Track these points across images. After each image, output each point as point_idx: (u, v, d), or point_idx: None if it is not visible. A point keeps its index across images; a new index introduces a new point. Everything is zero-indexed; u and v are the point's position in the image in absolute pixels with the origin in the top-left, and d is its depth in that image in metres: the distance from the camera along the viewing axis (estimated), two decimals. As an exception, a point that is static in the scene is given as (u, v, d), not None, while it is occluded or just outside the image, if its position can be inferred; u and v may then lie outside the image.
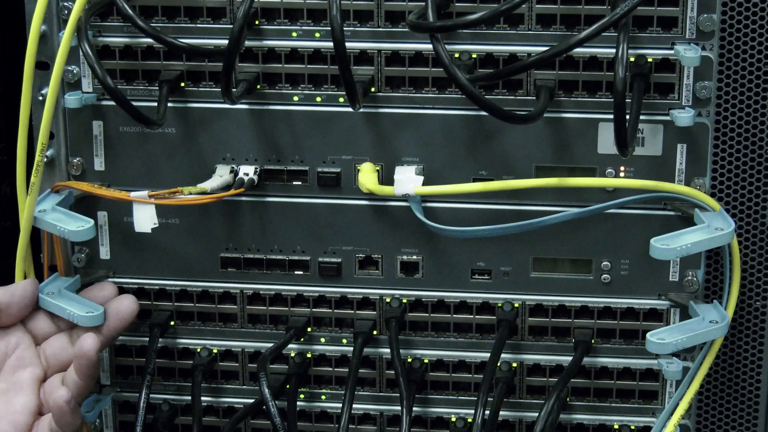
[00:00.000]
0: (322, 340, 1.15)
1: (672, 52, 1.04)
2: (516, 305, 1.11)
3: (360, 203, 1.11)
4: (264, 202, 1.12)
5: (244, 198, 1.11)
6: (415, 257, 1.11)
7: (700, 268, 1.08)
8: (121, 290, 1.14)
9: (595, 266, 1.10)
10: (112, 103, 1.06)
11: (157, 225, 1.07)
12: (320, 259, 1.13)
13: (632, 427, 1.13)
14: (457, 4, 1.05)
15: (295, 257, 1.13)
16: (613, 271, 1.10)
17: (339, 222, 1.11)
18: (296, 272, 1.13)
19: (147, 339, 1.15)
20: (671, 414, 1.09)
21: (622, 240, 1.08)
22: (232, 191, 1.09)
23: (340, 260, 1.12)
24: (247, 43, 1.08)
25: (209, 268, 1.14)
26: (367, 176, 1.08)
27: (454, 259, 1.11)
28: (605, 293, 1.10)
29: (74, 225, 1.06)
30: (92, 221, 1.07)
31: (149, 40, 1.08)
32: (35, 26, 1.05)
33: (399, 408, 1.09)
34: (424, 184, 1.08)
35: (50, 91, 1.05)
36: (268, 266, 1.13)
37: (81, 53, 1.06)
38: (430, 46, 1.00)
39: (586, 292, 1.11)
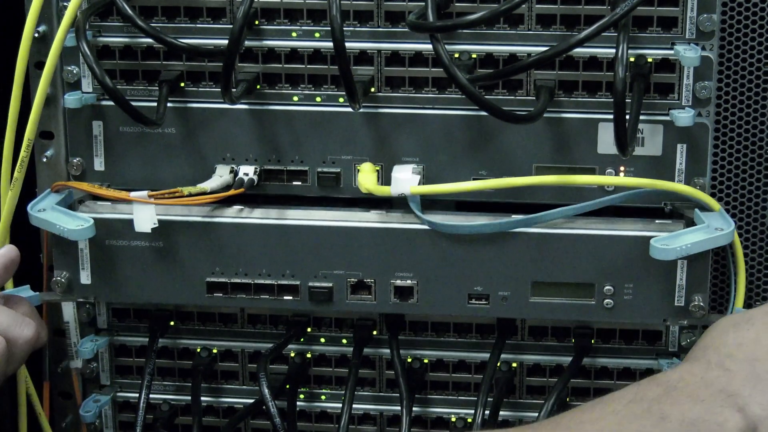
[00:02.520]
0: (322, 340, 1.15)
1: (672, 52, 1.04)
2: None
3: (352, 225, 1.07)
4: (249, 224, 1.09)
5: (229, 220, 1.08)
6: (409, 282, 1.08)
7: (706, 292, 1.05)
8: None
9: (598, 290, 1.06)
10: (112, 103, 1.06)
11: (156, 225, 1.07)
12: (310, 284, 1.09)
13: None
14: (457, 4, 1.05)
15: (284, 281, 1.09)
16: (616, 295, 1.06)
17: (329, 244, 1.08)
18: (285, 297, 1.10)
19: (147, 339, 1.15)
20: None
21: (626, 263, 1.05)
22: (232, 191, 1.09)
23: (331, 285, 1.09)
24: (247, 43, 1.08)
25: (194, 293, 1.10)
26: (367, 176, 1.08)
27: (450, 284, 1.07)
28: (608, 318, 1.08)
29: (73, 224, 1.06)
30: (92, 220, 1.06)
31: (149, 40, 1.08)
32: (30, 25, 1.05)
33: (399, 408, 1.09)
34: (424, 183, 1.08)
35: (40, 88, 1.05)
36: (255, 291, 1.10)
37: (80, 53, 1.06)
38: (430, 46, 1.00)
39: (587, 318, 1.09)
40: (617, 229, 1.05)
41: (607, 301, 1.06)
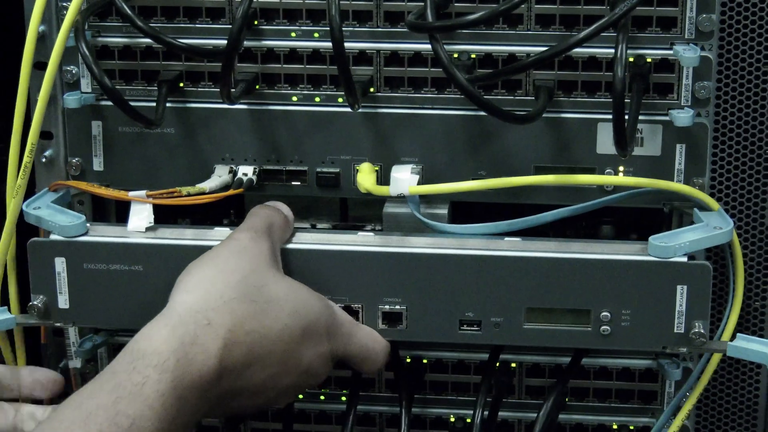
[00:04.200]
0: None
1: (671, 52, 1.04)
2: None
3: (338, 248, 1.04)
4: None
5: (211, 243, 1.01)
6: (398, 307, 1.04)
7: (706, 318, 1.01)
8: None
9: (594, 317, 1.02)
10: (111, 103, 1.06)
11: (152, 225, 1.07)
12: None
13: (631, 428, 1.13)
14: (456, 4, 1.05)
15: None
16: (613, 322, 1.02)
17: (314, 268, 1.04)
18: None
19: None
20: (671, 415, 1.09)
21: (623, 289, 1.01)
22: (231, 191, 1.09)
23: (317, 310, 1.05)
24: (246, 43, 1.08)
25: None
26: (366, 176, 1.08)
27: (440, 309, 1.03)
28: (605, 346, 1.04)
29: (66, 220, 1.06)
30: (83, 216, 1.06)
31: (148, 40, 1.08)
32: (33, 26, 1.05)
33: (398, 408, 1.09)
34: (423, 183, 1.08)
35: (43, 90, 1.05)
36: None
37: (79, 53, 1.06)
38: (429, 47, 1.00)
39: (584, 345, 1.05)
40: (614, 253, 1.02)
41: (603, 327, 1.02)
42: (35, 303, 1.06)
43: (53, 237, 1.05)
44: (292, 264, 1.04)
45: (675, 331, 1.02)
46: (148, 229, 1.06)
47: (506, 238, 1.04)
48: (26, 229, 1.09)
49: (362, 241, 1.05)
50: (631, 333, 1.02)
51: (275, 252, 1.01)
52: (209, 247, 1.00)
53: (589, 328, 1.03)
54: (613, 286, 1.01)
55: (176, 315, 0.92)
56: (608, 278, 1.01)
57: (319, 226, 1.15)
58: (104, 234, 1.06)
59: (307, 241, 1.05)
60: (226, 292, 0.94)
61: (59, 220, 1.06)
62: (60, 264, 1.05)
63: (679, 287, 1.00)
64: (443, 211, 1.10)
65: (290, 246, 1.04)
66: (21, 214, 1.07)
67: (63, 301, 1.06)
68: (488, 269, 1.02)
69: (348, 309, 1.04)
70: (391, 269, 1.03)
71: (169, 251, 1.04)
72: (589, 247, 1.03)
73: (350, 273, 1.04)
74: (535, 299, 1.02)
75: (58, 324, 1.07)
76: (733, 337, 1.04)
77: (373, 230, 1.10)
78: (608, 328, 1.02)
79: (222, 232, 1.05)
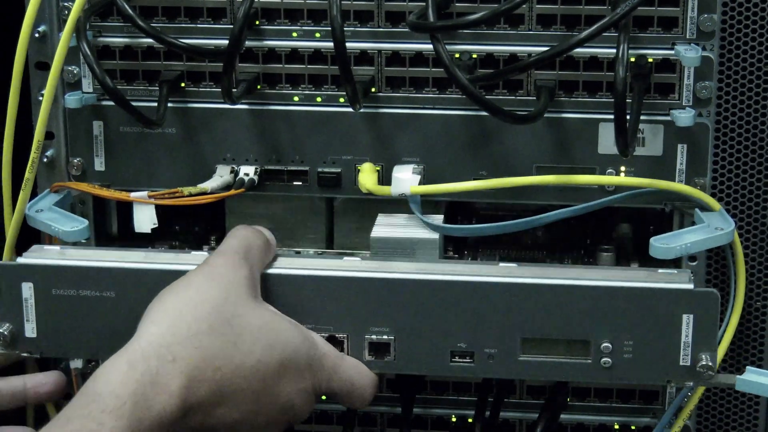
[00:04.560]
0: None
1: (672, 52, 1.04)
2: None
3: (322, 274, 0.99)
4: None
5: (185, 267, 0.97)
6: (385, 337, 0.99)
7: (714, 350, 0.96)
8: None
9: (594, 348, 0.97)
10: (113, 103, 1.06)
11: (156, 225, 1.07)
12: None
13: (633, 428, 1.13)
14: (457, 4, 1.05)
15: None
16: (614, 353, 0.97)
17: (297, 295, 0.99)
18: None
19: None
20: (673, 415, 1.09)
21: (625, 318, 0.96)
22: (233, 191, 1.09)
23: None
24: (248, 43, 1.08)
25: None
26: (367, 176, 1.08)
27: (430, 339, 0.98)
28: (606, 378, 0.99)
29: (68, 225, 1.05)
30: (86, 221, 1.06)
31: (149, 40, 1.08)
32: (27, 24, 1.05)
33: (399, 408, 1.09)
34: (424, 183, 1.08)
35: (47, 89, 1.05)
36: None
37: (80, 53, 1.06)
38: (430, 47, 1.00)
39: (583, 378, 1.00)
40: (615, 279, 0.97)
41: (604, 359, 0.97)
42: (1, 331, 1.00)
43: (20, 260, 1.01)
44: (272, 290, 0.98)
45: (681, 363, 0.97)
46: (120, 251, 1.02)
47: (501, 264, 1.00)
48: (26, 229, 1.09)
49: (348, 267, 1.00)
50: (634, 365, 0.97)
51: (253, 278, 0.96)
52: (184, 272, 0.95)
53: (589, 360, 0.98)
54: (615, 315, 0.96)
55: (139, 350, 0.87)
56: (609, 307, 0.96)
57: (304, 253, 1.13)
58: (74, 257, 1.01)
59: (289, 265, 1.00)
60: (194, 325, 0.89)
61: (62, 225, 1.05)
62: (27, 290, 1.00)
63: (684, 317, 0.96)
64: (438, 217, 1.09)
65: (271, 271, 0.99)
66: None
67: (30, 330, 1.00)
68: (482, 297, 0.97)
69: (332, 339, 0.99)
70: (379, 297, 0.98)
71: (143, 276, 0.99)
72: (588, 273, 0.99)
73: (335, 300, 0.98)
74: (531, 329, 0.97)
75: (25, 354, 1.02)
76: (740, 368, 1.03)
77: (360, 255, 1.06)
78: (609, 360, 0.97)
79: (199, 256, 1.00)
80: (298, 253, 1.12)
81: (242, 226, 1.01)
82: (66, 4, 1.08)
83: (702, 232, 1.02)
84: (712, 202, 1.05)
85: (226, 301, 0.91)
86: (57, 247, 1.03)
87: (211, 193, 1.08)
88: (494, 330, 0.98)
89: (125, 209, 1.11)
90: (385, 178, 1.09)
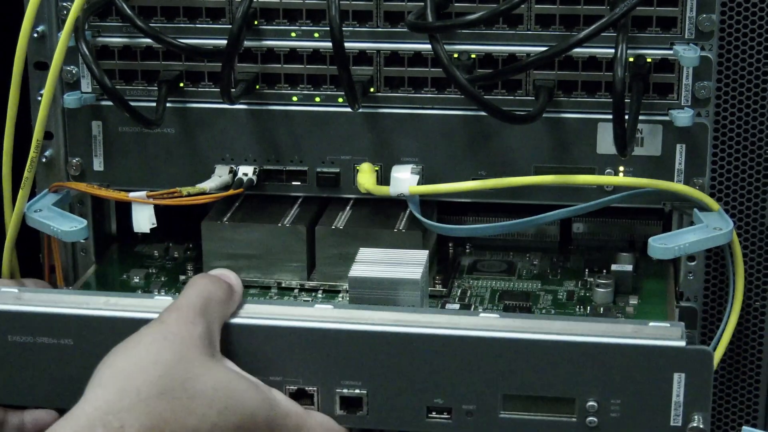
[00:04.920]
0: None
1: (671, 52, 1.04)
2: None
3: (291, 324, 0.93)
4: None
5: (147, 315, 0.92)
6: (358, 391, 0.93)
7: (707, 410, 0.91)
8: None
9: (579, 407, 0.92)
10: (111, 103, 1.06)
11: (155, 225, 1.07)
12: None
13: None
14: (456, 4, 1.05)
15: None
16: (600, 412, 0.91)
17: (263, 346, 0.93)
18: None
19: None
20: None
21: (613, 375, 0.91)
22: (232, 191, 1.09)
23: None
24: (246, 43, 1.08)
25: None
26: (366, 176, 1.08)
27: (406, 394, 0.93)
28: None
29: (67, 225, 1.05)
30: (85, 221, 1.06)
31: (148, 40, 1.08)
32: (26, 24, 1.05)
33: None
34: (423, 183, 1.08)
35: (46, 89, 1.06)
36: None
37: (79, 53, 1.06)
38: (429, 47, 1.00)
39: None
40: (603, 334, 0.91)
41: (590, 419, 0.91)
42: None
43: None
44: (237, 341, 0.92)
45: (671, 424, 0.91)
46: (81, 296, 0.97)
47: (482, 314, 0.94)
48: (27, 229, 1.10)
49: (318, 316, 0.93)
50: (621, 425, 0.91)
51: (210, 334, 0.90)
52: (147, 320, 0.89)
53: (573, 418, 0.92)
54: (601, 372, 0.90)
55: (83, 416, 0.81)
56: (596, 364, 0.90)
57: (284, 284, 1.09)
58: (32, 302, 0.96)
59: (256, 314, 0.94)
60: (143, 388, 0.83)
61: (61, 225, 1.05)
62: None
63: (676, 375, 0.90)
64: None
65: (235, 321, 0.93)
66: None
67: None
68: (460, 350, 0.91)
69: (302, 393, 0.93)
70: (351, 349, 0.92)
71: (102, 324, 0.93)
72: (574, 327, 0.92)
73: (304, 352, 0.92)
74: (512, 385, 0.91)
75: None
76: (738, 368, 1.03)
77: (333, 303, 1.00)
78: (595, 419, 0.91)
79: (163, 301, 0.94)
80: (279, 285, 1.09)
81: (202, 275, 0.96)
82: (65, 4, 1.09)
83: (701, 232, 1.02)
84: (710, 202, 1.05)
85: (179, 361, 0.86)
86: (15, 290, 0.97)
87: (210, 193, 1.08)
88: (473, 385, 0.92)
89: (124, 209, 1.10)
90: (383, 178, 1.09)
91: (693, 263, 1.08)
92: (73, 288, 1.13)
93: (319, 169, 1.10)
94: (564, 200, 1.08)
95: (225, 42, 1.03)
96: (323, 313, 0.94)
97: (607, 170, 1.07)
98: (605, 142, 1.06)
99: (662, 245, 1.00)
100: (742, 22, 1.04)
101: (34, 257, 1.15)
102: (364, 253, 1.02)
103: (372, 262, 1.00)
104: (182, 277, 1.12)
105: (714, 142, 1.06)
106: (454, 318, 0.94)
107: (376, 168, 1.09)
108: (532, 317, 0.96)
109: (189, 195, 1.07)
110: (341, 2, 1.02)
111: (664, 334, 0.91)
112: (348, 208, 1.12)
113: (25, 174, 1.07)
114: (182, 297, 0.91)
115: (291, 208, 1.12)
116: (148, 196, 1.07)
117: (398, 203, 1.10)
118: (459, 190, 1.07)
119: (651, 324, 0.92)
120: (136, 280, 1.13)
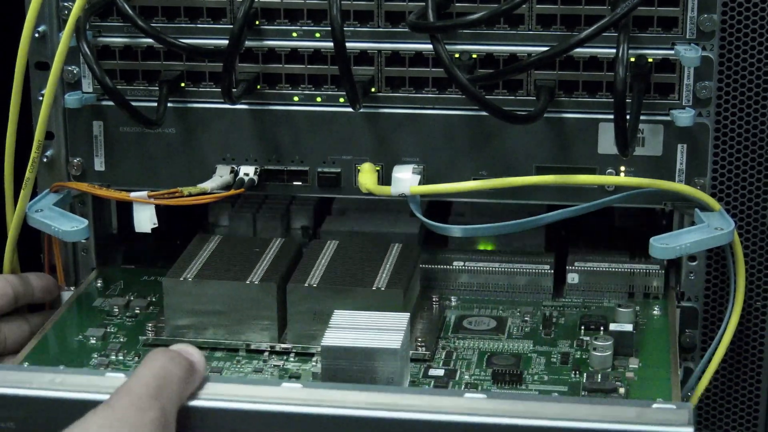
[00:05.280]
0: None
1: (672, 52, 1.04)
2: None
3: (251, 408, 0.83)
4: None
5: (96, 395, 0.83)
6: None
7: None
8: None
9: None
10: (112, 103, 1.06)
11: (156, 225, 1.07)
12: None
13: None
14: (457, 5, 1.05)
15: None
16: None
17: (224, 431, 0.84)
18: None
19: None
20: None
21: None
22: (233, 191, 1.09)
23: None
24: (247, 43, 1.08)
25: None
26: (367, 176, 1.08)
27: None
28: None
29: (68, 225, 1.06)
30: (86, 221, 1.06)
31: (149, 40, 1.08)
32: (28, 25, 1.05)
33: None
34: (424, 183, 1.08)
35: (48, 89, 1.06)
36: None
37: (80, 53, 1.06)
38: (430, 47, 1.00)
39: None
40: (602, 419, 0.80)
41: None
42: None
43: None
44: (197, 425, 0.83)
45: None
46: (28, 372, 0.86)
47: (467, 394, 0.83)
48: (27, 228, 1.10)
49: (286, 398, 0.83)
50: None
51: (164, 420, 0.80)
52: (96, 402, 0.80)
53: None
54: None
55: None
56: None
57: (253, 346, 1.02)
58: None
59: (218, 395, 0.84)
60: None
61: (62, 225, 1.05)
62: None
63: None
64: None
65: (194, 404, 0.83)
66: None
67: None
68: None
69: None
70: None
71: (48, 405, 0.83)
72: (570, 411, 0.81)
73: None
74: None
75: None
76: (739, 368, 1.02)
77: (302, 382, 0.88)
78: None
79: (114, 379, 0.84)
80: (248, 347, 1.02)
81: (161, 350, 0.85)
82: (66, 4, 1.09)
83: (702, 232, 1.02)
84: (711, 202, 1.05)
85: None
86: None
87: (211, 193, 1.08)
88: None
89: (125, 209, 1.11)
90: (384, 178, 1.09)
91: (694, 263, 1.08)
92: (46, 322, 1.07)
93: (320, 169, 1.10)
94: (565, 200, 1.08)
95: (226, 42, 1.03)
96: (291, 394, 0.84)
97: (609, 170, 1.07)
98: (606, 142, 1.06)
99: (663, 245, 1.00)
100: (743, 22, 1.04)
101: (35, 257, 1.15)
102: (339, 316, 0.95)
103: (347, 328, 0.94)
104: (142, 338, 1.04)
105: (715, 142, 1.06)
106: (436, 400, 0.83)
107: (377, 168, 1.09)
108: (523, 397, 0.84)
109: (190, 195, 1.07)
110: (342, 2, 1.02)
111: (670, 419, 0.80)
112: (326, 256, 1.06)
113: (27, 174, 1.07)
114: (135, 377, 0.82)
115: (262, 257, 1.05)
116: (149, 196, 1.07)
117: (393, 237, 1.11)
118: (460, 190, 1.07)
119: (655, 406, 0.81)
120: (93, 341, 1.04)
